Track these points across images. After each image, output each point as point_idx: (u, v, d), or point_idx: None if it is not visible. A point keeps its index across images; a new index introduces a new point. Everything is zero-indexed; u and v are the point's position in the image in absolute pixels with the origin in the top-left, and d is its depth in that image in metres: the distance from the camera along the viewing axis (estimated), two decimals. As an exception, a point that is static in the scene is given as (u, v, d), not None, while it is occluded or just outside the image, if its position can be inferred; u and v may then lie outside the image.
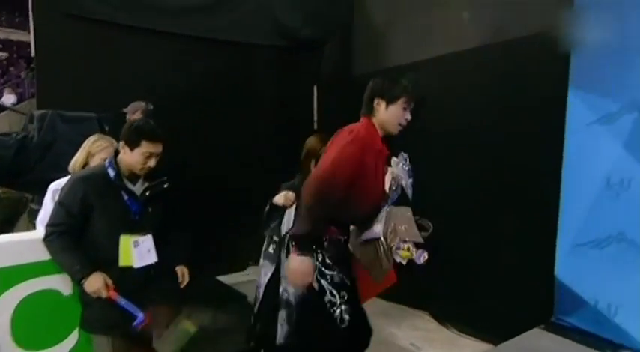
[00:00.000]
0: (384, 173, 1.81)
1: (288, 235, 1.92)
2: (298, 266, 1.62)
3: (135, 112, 2.63)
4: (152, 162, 1.78)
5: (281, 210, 2.12)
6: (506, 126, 2.53)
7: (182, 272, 1.92)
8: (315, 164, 2.22)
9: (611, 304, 1.97)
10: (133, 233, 1.75)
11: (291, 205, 2.09)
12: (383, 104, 1.75)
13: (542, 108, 2.34)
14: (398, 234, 1.70)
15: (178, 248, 1.93)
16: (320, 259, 1.76)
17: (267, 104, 3.81)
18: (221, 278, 3.56)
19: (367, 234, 1.77)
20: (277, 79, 3.83)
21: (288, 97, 3.94)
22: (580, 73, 2.10)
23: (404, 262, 1.68)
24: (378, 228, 1.74)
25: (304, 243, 1.65)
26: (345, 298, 1.74)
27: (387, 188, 1.80)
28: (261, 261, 2.19)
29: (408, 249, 1.68)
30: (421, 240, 1.70)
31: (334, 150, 1.70)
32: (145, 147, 1.75)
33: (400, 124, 1.76)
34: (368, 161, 1.70)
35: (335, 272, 1.76)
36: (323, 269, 1.76)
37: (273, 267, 2.07)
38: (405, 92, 1.73)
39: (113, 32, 3.05)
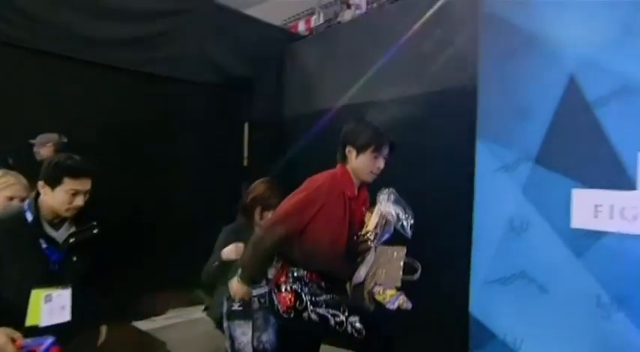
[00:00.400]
0: (360, 218, 1.82)
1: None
2: (238, 289, 1.84)
3: (45, 145, 2.43)
4: (79, 201, 1.60)
5: (233, 262, 2.05)
6: (422, 172, 2.73)
7: (100, 331, 1.72)
8: (262, 211, 2.20)
9: (517, 337, 2.12)
10: (49, 286, 1.54)
11: None
12: (354, 152, 1.78)
13: (455, 156, 2.57)
14: (375, 278, 1.70)
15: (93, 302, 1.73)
16: (306, 291, 1.74)
17: (196, 140, 3.74)
18: (139, 323, 3.28)
19: (355, 278, 1.77)
20: (207, 115, 3.80)
21: (218, 134, 3.90)
22: (486, 125, 2.35)
23: (390, 306, 1.66)
24: (362, 271, 1.74)
25: (244, 276, 1.75)
26: (348, 311, 1.70)
27: (372, 227, 1.77)
28: (226, 322, 2.08)
29: (381, 293, 1.67)
30: (398, 284, 1.68)
31: (293, 196, 1.75)
32: (70, 184, 1.58)
33: (372, 172, 1.77)
34: (329, 204, 1.71)
35: (325, 296, 1.75)
36: (315, 298, 1.74)
37: (251, 323, 2.02)
38: (373, 141, 1.74)
39: (21, 56, 2.82)
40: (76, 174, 1.59)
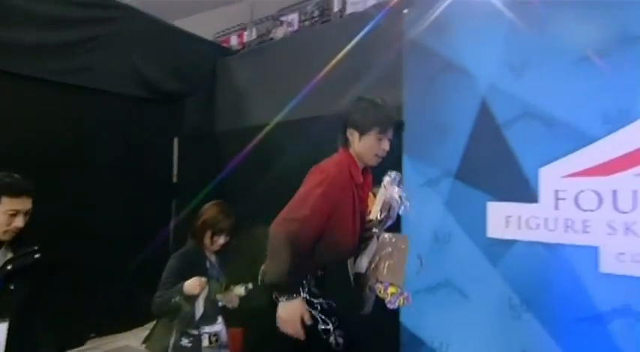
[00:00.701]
0: (366, 204, 1.68)
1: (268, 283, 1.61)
2: (290, 311, 1.49)
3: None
4: (19, 222, 1.46)
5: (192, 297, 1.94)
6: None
7: None
8: (212, 236, 2.07)
9: (443, 343, 2.27)
10: None
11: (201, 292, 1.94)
12: (356, 135, 1.64)
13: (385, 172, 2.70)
14: (376, 273, 1.58)
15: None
16: (306, 290, 1.60)
17: (122, 156, 3.54)
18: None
19: (356, 267, 1.66)
20: (135, 129, 3.62)
21: (146, 149, 3.73)
22: (411, 143, 2.51)
23: (390, 306, 1.56)
24: (364, 262, 1.63)
25: (289, 284, 1.49)
26: (337, 324, 1.63)
27: (376, 214, 1.63)
28: None
29: (382, 291, 1.56)
30: (400, 282, 1.56)
31: (304, 191, 1.56)
32: (9, 204, 1.44)
33: (377, 156, 1.64)
34: (343, 199, 1.57)
35: (322, 300, 1.64)
36: (311, 299, 1.62)
37: None
38: (377, 123, 1.61)
39: None
40: (16, 193, 1.46)
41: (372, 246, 1.63)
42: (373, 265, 1.59)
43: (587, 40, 1.97)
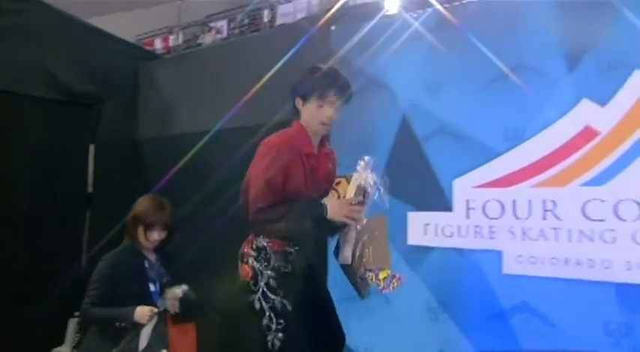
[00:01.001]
0: (325, 175, 1.65)
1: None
2: (332, 210, 1.52)
3: None
4: None
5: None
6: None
7: None
8: (145, 231, 1.94)
9: (367, 348, 2.36)
10: None
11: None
12: (300, 103, 1.61)
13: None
14: (363, 261, 1.52)
15: None
16: (265, 281, 1.57)
17: (30, 163, 3.20)
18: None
19: (341, 259, 1.59)
20: (44, 135, 3.29)
21: (58, 156, 3.41)
22: (338, 155, 2.59)
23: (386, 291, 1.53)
24: (347, 252, 1.56)
25: (304, 217, 1.53)
26: (282, 326, 1.56)
27: (349, 199, 1.56)
28: None
29: (373, 279, 1.53)
30: (389, 265, 1.53)
31: (253, 169, 1.59)
32: None
33: (323, 123, 1.59)
34: (291, 168, 1.55)
35: (278, 298, 1.57)
36: (267, 292, 1.57)
37: None
38: (315, 87, 1.56)
39: None
40: None
41: (352, 233, 1.57)
42: (358, 253, 1.55)
43: (492, 66, 2.21)
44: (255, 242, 1.63)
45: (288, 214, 1.55)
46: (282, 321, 1.59)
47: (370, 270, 1.55)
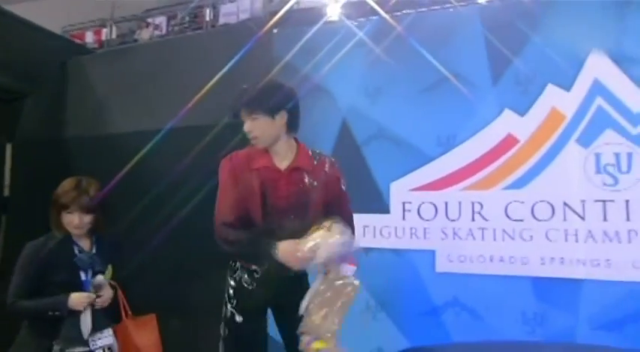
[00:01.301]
0: (285, 194, 1.60)
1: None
2: (283, 254, 1.51)
3: None
4: None
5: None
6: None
7: None
8: (63, 215, 1.80)
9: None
10: None
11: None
12: None
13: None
14: (307, 321, 1.40)
15: None
16: (228, 287, 1.69)
17: None
18: None
19: (300, 309, 1.48)
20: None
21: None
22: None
23: None
24: (305, 302, 1.48)
25: (259, 247, 1.55)
26: (226, 333, 1.66)
27: (303, 251, 1.45)
28: None
29: (303, 345, 1.41)
30: (330, 338, 1.39)
31: (219, 185, 1.66)
32: None
33: (249, 138, 1.65)
34: (245, 183, 1.61)
35: (228, 307, 1.67)
36: (226, 298, 1.69)
37: None
38: (234, 108, 1.66)
39: None
40: None
41: (315, 284, 1.50)
42: (309, 307, 1.42)
43: (427, 74, 2.34)
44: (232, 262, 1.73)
45: (242, 241, 1.59)
46: (227, 330, 1.66)
47: (307, 334, 1.42)
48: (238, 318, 1.64)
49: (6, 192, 3.36)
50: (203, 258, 2.57)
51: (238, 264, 1.68)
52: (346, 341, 2.32)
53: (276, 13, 3.17)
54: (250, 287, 1.65)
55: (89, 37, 4.52)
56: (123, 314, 1.90)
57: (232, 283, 1.68)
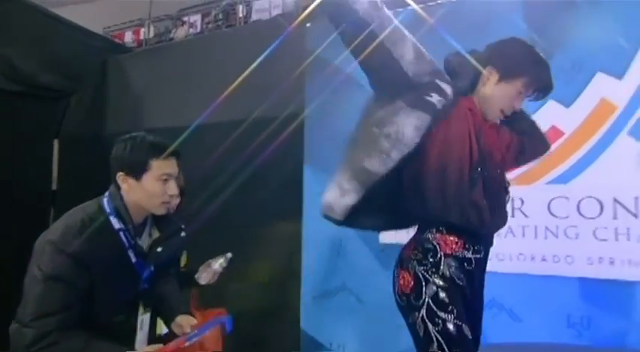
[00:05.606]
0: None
1: None
2: None
3: None
4: (173, 189, 1.24)
5: None
6: (253, 194, 2.82)
7: None
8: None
9: (340, 345, 2.36)
10: (144, 310, 1.30)
11: None
12: None
13: (283, 180, 2.73)
14: None
15: None
16: (433, 280, 1.21)
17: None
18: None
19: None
20: (7, 129, 3.13)
21: (20, 151, 3.26)
22: (312, 152, 2.59)
23: None
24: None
25: None
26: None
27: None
28: None
29: None
30: None
31: None
32: (157, 168, 1.22)
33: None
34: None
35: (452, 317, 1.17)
36: (439, 298, 1.19)
37: None
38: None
39: None
40: (163, 152, 1.22)
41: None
42: None
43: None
44: (420, 239, 1.26)
45: None
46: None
47: None
48: (467, 332, 1.18)
49: (54, 186, 3.53)
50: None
51: (440, 253, 1.22)
52: (381, 341, 2.30)
53: (308, 7, 3.14)
54: (462, 284, 1.22)
55: (128, 37, 4.67)
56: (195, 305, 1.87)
57: (438, 281, 1.20)
